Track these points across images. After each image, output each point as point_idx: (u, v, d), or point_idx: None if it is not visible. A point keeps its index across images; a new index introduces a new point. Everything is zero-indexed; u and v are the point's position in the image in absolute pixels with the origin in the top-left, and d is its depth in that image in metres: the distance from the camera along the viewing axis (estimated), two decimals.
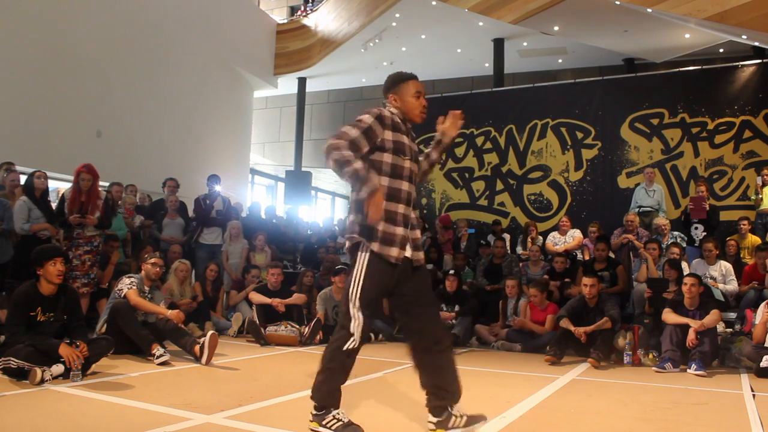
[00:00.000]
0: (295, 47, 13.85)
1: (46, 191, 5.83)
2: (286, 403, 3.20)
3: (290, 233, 9.19)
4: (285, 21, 14.89)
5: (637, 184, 8.18)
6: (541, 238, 7.86)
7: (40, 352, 3.56)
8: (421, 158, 2.76)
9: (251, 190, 14.79)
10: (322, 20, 13.39)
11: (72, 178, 5.60)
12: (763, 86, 8.12)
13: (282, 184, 14.44)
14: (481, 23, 11.51)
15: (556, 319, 5.34)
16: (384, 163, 2.51)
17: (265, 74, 13.76)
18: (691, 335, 4.66)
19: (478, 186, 9.83)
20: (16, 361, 3.49)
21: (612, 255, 6.70)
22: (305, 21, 13.87)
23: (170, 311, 4.64)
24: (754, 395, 3.72)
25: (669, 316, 4.90)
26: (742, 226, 6.78)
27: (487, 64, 12.92)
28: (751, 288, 5.83)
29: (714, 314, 4.75)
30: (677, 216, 7.74)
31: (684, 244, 6.90)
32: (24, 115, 8.06)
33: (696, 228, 7.09)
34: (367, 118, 2.48)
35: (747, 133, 8.10)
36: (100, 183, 5.79)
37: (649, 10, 8.72)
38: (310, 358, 4.93)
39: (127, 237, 6.95)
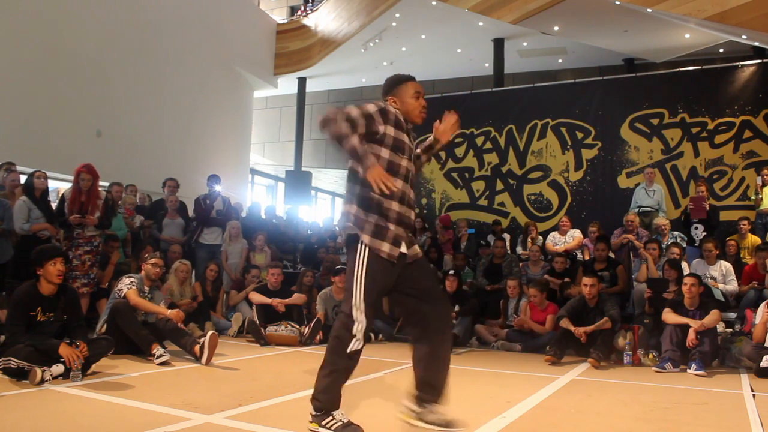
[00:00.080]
0: (295, 47, 13.86)
1: (46, 191, 5.83)
2: (286, 403, 3.20)
3: (290, 233, 9.19)
4: (285, 21, 14.90)
5: (637, 184, 8.18)
6: (541, 238, 7.85)
7: (40, 352, 3.56)
8: None
9: (251, 190, 14.79)
10: (322, 20, 13.40)
11: (72, 178, 5.59)
12: (763, 86, 8.12)
13: (282, 184, 14.44)
14: (481, 23, 11.51)
15: (556, 319, 5.34)
16: (381, 158, 2.50)
17: (265, 74, 13.76)
18: (691, 335, 4.66)
19: (478, 186, 9.83)
20: (16, 361, 3.49)
21: (612, 255, 6.70)
22: (305, 21, 13.87)
23: (170, 310, 4.64)
24: (754, 395, 3.72)
25: (669, 316, 4.90)
26: (742, 226, 6.78)
27: (487, 64, 12.93)
28: (751, 288, 5.83)
29: (714, 314, 4.75)
30: (677, 216, 7.74)
31: (684, 244, 6.90)
32: (24, 115, 8.07)
33: (696, 228, 7.08)
34: (371, 107, 2.48)
35: (747, 133, 8.10)
36: (100, 183, 5.79)
37: (649, 10, 8.72)
38: (310, 358, 4.93)
39: (127, 237, 6.95)
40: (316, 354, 5.18)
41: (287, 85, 14.65)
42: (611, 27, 10.49)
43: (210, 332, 4.49)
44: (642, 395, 3.69)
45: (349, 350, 2.45)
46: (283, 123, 16.41)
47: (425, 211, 9.97)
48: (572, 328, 5.02)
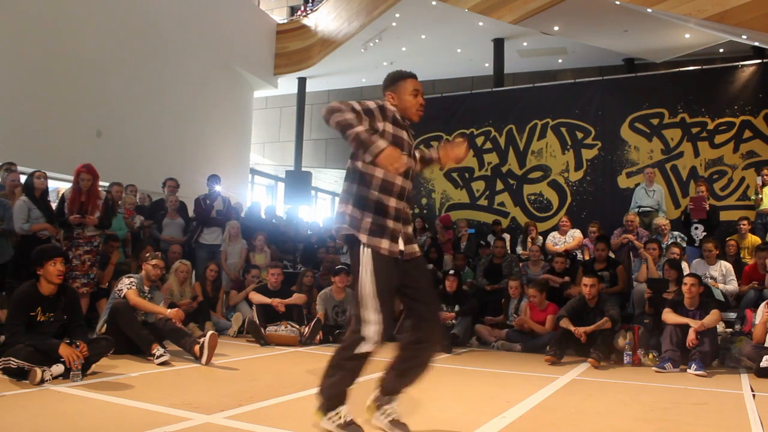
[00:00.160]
0: (295, 47, 13.86)
1: (45, 191, 5.83)
2: (286, 403, 3.20)
3: (290, 233, 9.19)
4: (285, 21, 14.90)
5: (637, 184, 8.18)
6: (541, 238, 7.85)
7: (40, 352, 3.56)
8: None
9: (251, 190, 14.79)
10: (322, 20, 13.40)
11: (72, 178, 5.59)
12: (763, 86, 8.12)
13: (282, 184, 14.44)
14: (481, 23, 11.51)
15: (556, 319, 5.34)
16: None
17: (265, 74, 13.76)
18: (691, 335, 4.66)
19: (478, 186, 9.83)
20: (16, 361, 3.49)
21: (612, 255, 6.70)
22: (305, 21, 13.87)
23: (170, 310, 4.64)
24: (754, 395, 3.72)
25: (669, 316, 4.90)
26: (742, 226, 6.78)
27: (487, 64, 12.93)
28: (751, 288, 5.83)
29: (714, 314, 4.75)
30: (677, 216, 7.74)
31: (684, 244, 6.90)
32: (24, 115, 8.06)
33: (696, 228, 7.08)
34: (371, 103, 2.51)
35: (747, 133, 8.09)
36: (100, 183, 5.79)
37: (649, 10, 8.72)
38: (310, 358, 4.93)
39: (127, 237, 6.95)
40: (316, 354, 5.18)
41: (287, 85, 14.65)
42: (611, 27, 10.49)
43: (210, 332, 4.49)
44: (642, 395, 3.69)
45: (356, 351, 2.42)
46: (283, 123, 16.41)
47: (425, 211, 9.97)
48: (572, 328, 5.02)
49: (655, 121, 8.70)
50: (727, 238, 6.85)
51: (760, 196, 7.16)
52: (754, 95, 8.16)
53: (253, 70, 13.39)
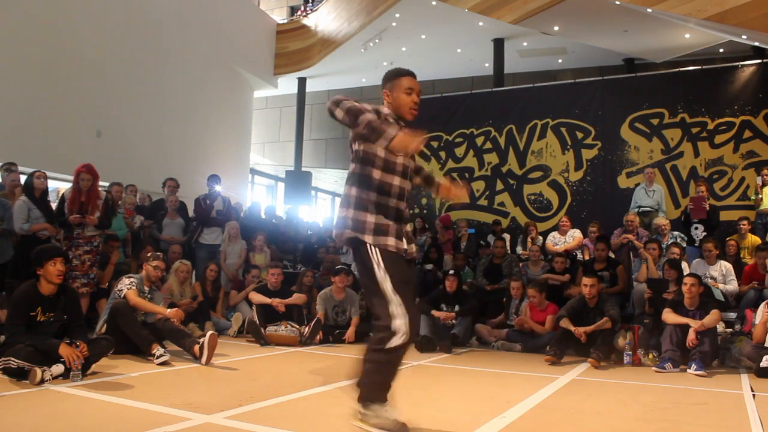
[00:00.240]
0: (295, 47, 13.86)
1: (45, 191, 5.83)
2: (286, 403, 3.20)
3: (290, 233, 9.19)
4: (285, 21, 14.90)
5: (637, 184, 8.18)
6: (541, 238, 7.85)
7: (40, 352, 3.56)
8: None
9: (251, 190, 14.79)
10: (322, 20, 13.40)
11: (72, 178, 5.59)
12: (763, 86, 8.12)
13: (282, 184, 14.44)
14: (481, 23, 11.52)
15: (556, 319, 5.34)
16: (377, 157, 2.53)
17: (265, 74, 13.77)
18: (691, 335, 4.66)
19: (478, 186, 9.83)
20: (16, 361, 3.49)
21: (612, 255, 6.70)
22: (305, 21, 13.88)
23: (169, 310, 4.64)
24: (754, 395, 3.72)
25: (669, 316, 4.90)
26: (742, 226, 6.78)
27: (487, 64, 12.93)
28: (751, 288, 5.83)
29: (714, 314, 4.75)
30: (677, 216, 7.74)
31: (684, 244, 6.90)
32: (24, 115, 8.07)
33: (696, 228, 7.08)
34: (367, 105, 2.54)
35: (747, 133, 8.09)
36: (100, 183, 5.79)
37: (649, 10, 8.72)
38: (310, 358, 4.93)
39: (127, 237, 6.95)
40: (316, 354, 5.18)
41: (287, 85, 14.66)
42: (611, 27, 10.49)
43: (209, 332, 4.49)
44: (642, 395, 3.69)
45: (388, 346, 2.38)
46: (283, 123, 16.41)
47: (425, 211, 9.97)
48: (572, 328, 5.02)
49: (655, 121, 8.70)
50: (727, 238, 6.84)
51: (760, 196, 7.16)
52: (754, 95, 8.16)
53: (253, 70, 13.40)
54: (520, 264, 7.11)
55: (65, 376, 3.55)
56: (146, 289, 4.89)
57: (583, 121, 9.20)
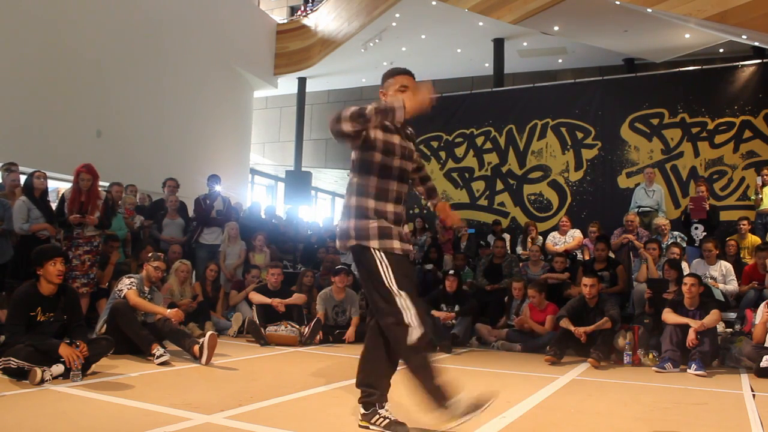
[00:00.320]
0: (295, 47, 13.86)
1: (45, 191, 5.83)
2: (286, 403, 3.20)
3: (290, 233, 9.18)
4: (285, 21, 14.90)
5: (637, 184, 8.18)
6: (541, 238, 7.85)
7: (40, 352, 3.55)
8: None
9: (251, 190, 14.79)
10: (322, 20, 13.40)
11: (72, 178, 5.59)
12: (763, 86, 8.12)
13: (282, 184, 14.44)
14: (481, 23, 11.52)
15: (556, 319, 5.34)
16: (374, 162, 2.56)
17: (265, 74, 13.76)
18: (691, 335, 4.66)
19: (478, 186, 9.83)
20: (16, 361, 3.49)
21: (612, 255, 6.70)
22: (305, 21, 13.88)
23: (169, 310, 4.64)
24: (754, 395, 3.72)
25: (669, 316, 4.90)
26: (742, 226, 6.78)
27: (487, 64, 12.93)
28: (751, 288, 5.83)
29: (714, 314, 4.75)
30: (677, 216, 7.74)
31: (684, 244, 6.90)
32: (24, 115, 8.07)
33: (696, 228, 7.08)
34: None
35: (747, 133, 8.10)
36: (100, 183, 5.79)
37: (649, 10, 8.72)
38: (310, 358, 4.93)
39: (127, 237, 6.95)
40: (316, 354, 5.18)
41: (287, 85, 14.65)
42: (611, 27, 10.49)
43: (209, 332, 4.49)
44: (642, 395, 3.69)
45: (410, 342, 2.40)
46: (283, 123, 16.41)
47: (425, 211, 9.96)
48: (572, 328, 5.02)
49: (655, 121, 8.70)
50: (727, 238, 6.85)
51: (760, 196, 7.16)
52: (754, 95, 8.16)
53: (253, 70, 13.40)
54: (520, 264, 7.10)
55: (65, 376, 3.55)
56: (146, 289, 4.89)
57: (583, 121, 9.20)
